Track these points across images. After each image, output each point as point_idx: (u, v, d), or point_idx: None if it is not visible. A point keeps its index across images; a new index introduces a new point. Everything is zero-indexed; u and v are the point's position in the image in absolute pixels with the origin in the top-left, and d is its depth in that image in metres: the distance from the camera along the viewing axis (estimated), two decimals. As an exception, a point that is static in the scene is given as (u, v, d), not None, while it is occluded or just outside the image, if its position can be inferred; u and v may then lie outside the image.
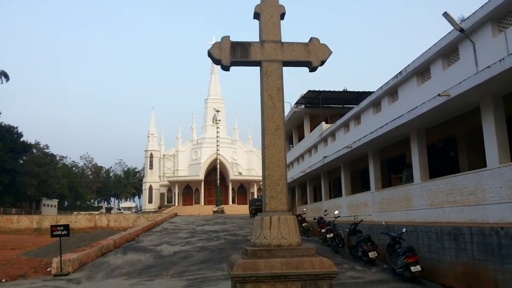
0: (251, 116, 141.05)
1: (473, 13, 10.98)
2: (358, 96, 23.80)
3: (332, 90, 24.30)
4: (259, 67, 6.41)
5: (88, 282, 11.18)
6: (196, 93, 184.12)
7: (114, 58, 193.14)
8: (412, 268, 9.92)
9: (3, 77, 49.28)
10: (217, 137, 61.38)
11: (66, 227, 13.40)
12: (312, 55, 6.29)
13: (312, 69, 6.45)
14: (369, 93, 19.75)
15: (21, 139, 58.25)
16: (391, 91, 15.80)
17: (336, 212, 16.96)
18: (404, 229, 11.23)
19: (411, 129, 12.41)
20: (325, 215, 18.45)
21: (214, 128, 64.35)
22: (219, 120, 63.42)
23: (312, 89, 24.52)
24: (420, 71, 13.87)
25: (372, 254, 12.40)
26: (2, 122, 56.07)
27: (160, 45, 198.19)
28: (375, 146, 15.27)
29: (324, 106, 25.99)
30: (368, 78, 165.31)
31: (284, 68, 6.30)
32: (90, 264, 13.87)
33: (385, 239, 12.39)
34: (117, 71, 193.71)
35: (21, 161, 60.31)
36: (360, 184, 20.52)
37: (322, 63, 6.35)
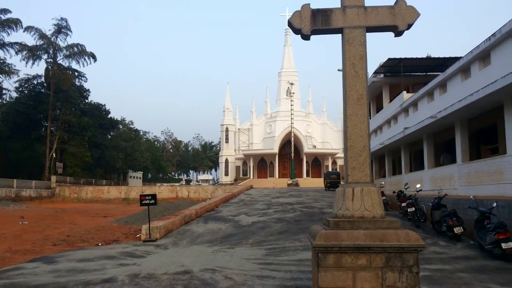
0: (325, 88, 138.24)
1: None
2: (443, 63, 22.20)
3: (414, 57, 22.93)
4: (340, 35, 6.21)
5: (174, 248, 11.88)
6: (270, 67, 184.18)
7: (192, 34, 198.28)
8: (503, 245, 9.34)
9: (91, 58, 52.79)
10: (291, 110, 61.12)
11: (154, 196, 14.10)
12: (398, 19, 5.94)
13: (398, 33, 6.11)
14: (456, 59, 18.34)
15: (109, 116, 62.47)
16: (483, 55, 14.46)
17: (418, 185, 16.27)
18: (495, 204, 10.55)
19: (506, 96, 11.37)
20: (406, 188, 17.80)
21: (288, 101, 64.09)
22: (293, 93, 62.97)
23: (391, 57, 23.31)
24: (518, 31, 12.52)
25: (457, 230, 11.81)
26: (92, 101, 60.59)
27: (234, 18, 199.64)
28: (463, 115, 14.25)
29: (405, 74, 24.64)
30: (454, 44, 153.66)
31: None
32: (175, 232, 14.71)
33: (472, 214, 11.72)
34: (194, 48, 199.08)
35: (109, 136, 65.01)
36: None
37: (409, 26, 5.99)
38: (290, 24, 6.18)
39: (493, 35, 13.31)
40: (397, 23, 5.95)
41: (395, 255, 5.25)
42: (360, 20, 6.01)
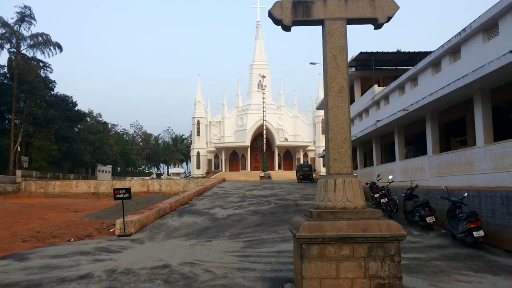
0: (297, 81, 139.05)
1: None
2: (413, 57, 22.71)
3: (385, 51, 23.33)
4: (321, 27, 6.20)
5: (151, 242, 11.69)
6: (241, 60, 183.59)
7: (161, 26, 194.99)
8: (475, 233, 9.63)
9: (57, 48, 51.13)
10: (262, 103, 61.16)
11: (128, 190, 13.80)
12: (378, 11, 5.99)
13: (378, 26, 6.17)
14: (426, 53, 18.77)
15: (76, 108, 60.74)
16: (453, 49, 14.85)
17: (391, 177, 16.61)
18: (466, 194, 10.86)
19: (476, 90, 11.71)
20: (378, 180, 18.14)
21: (260, 94, 64.13)
22: (265, 86, 63.03)
23: (361, 51, 23.61)
24: (487, 27, 12.86)
25: (430, 219, 12.13)
26: (58, 92, 58.70)
27: (205, 11, 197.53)
28: (434, 108, 14.61)
29: (377, 68, 25.06)
30: (418, 39, 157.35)
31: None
32: (150, 226, 14.48)
33: (443, 204, 12.06)
34: (164, 40, 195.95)
35: (77, 129, 63.29)
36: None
37: (389, 19, 6.05)
38: (270, 15, 6.13)
39: (464, 30, 13.67)
40: (377, 15, 5.99)
41: (377, 244, 5.34)
42: (341, 12, 6.03)
